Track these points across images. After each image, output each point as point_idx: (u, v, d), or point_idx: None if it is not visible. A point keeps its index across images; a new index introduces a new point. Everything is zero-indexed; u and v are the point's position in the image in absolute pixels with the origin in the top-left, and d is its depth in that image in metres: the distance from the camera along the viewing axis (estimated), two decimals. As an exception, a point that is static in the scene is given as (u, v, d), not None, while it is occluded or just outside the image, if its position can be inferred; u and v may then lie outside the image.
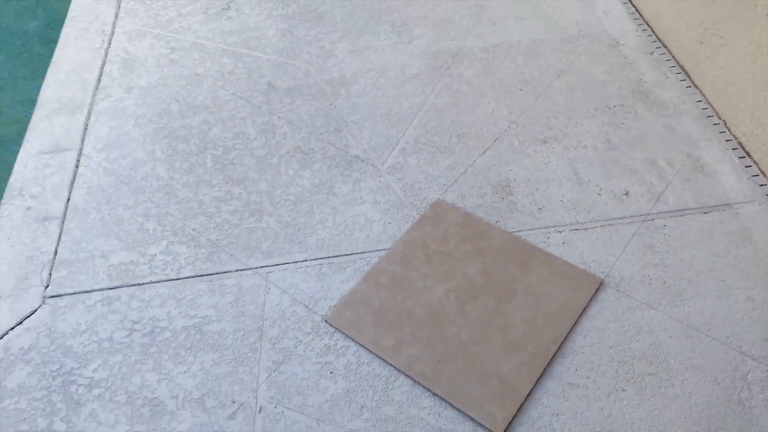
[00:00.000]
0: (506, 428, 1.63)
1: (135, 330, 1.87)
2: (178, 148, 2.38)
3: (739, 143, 2.28)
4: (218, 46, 2.81)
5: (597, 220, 2.08)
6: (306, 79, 2.63)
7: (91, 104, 2.57)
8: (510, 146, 2.33)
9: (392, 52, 2.73)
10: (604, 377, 1.72)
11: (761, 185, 2.15)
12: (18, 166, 2.37)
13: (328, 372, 1.76)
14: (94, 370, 1.79)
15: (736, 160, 2.24)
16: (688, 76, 2.55)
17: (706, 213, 2.09)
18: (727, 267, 1.93)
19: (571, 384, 1.71)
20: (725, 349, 1.76)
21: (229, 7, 3.03)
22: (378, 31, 2.85)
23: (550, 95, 2.51)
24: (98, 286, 1.98)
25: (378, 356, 1.78)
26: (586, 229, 2.06)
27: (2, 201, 2.26)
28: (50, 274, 2.02)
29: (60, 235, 2.12)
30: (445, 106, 2.48)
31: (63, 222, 2.16)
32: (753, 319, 1.81)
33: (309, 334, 1.84)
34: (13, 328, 1.90)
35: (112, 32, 2.91)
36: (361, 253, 2.03)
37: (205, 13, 3.00)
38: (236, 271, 2.00)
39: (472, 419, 1.65)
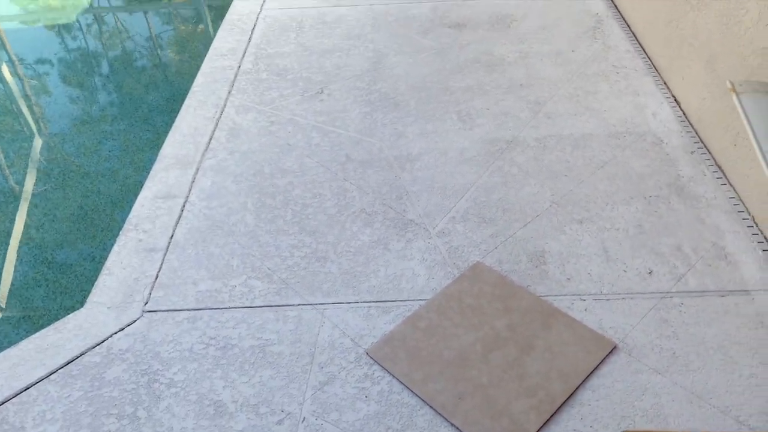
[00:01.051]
0: (511, 460, 1.85)
1: (211, 344, 2.26)
2: (265, 202, 2.83)
3: (765, 237, 2.46)
4: (309, 123, 3.32)
5: (619, 293, 2.31)
6: (378, 154, 3.06)
7: (200, 162, 3.11)
8: (549, 223, 2.62)
9: (455, 136, 3.14)
10: (606, 428, 1.91)
11: (781, 276, 2.32)
12: (136, 206, 2.90)
13: (364, 396, 2.06)
14: (174, 373, 2.17)
15: (760, 252, 2.42)
16: (724, 175, 2.77)
17: (723, 296, 2.27)
18: (735, 345, 2.10)
19: (575, 430, 1.92)
20: (723, 417, 1.91)
21: (322, 92, 3.57)
22: (445, 118, 3.28)
23: (591, 182, 2.80)
24: (187, 307, 2.40)
25: (407, 387, 2.07)
26: (607, 300, 2.30)
27: (121, 232, 2.77)
28: (150, 293, 2.47)
29: (162, 264, 2.59)
30: (495, 185, 2.82)
31: (165, 253, 2.63)
32: (754, 393, 1.96)
33: (352, 362, 2.16)
34: (116, 333, 2.33)
35: (224, 106, 3.50)
36: (405, 300, 2.35)
37: (302, 95, 3.55)
38: (298, 305, 2.37)
39: (482, 449, 1.89)
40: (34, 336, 2.34)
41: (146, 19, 6.07)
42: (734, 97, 1.15)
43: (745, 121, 1.09)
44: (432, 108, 3.37)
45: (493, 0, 4.44)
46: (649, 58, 3.66)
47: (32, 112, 4.66)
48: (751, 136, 1.08)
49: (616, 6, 4.24)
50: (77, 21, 6.00)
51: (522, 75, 3.59)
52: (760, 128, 1.09)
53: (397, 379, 2.10)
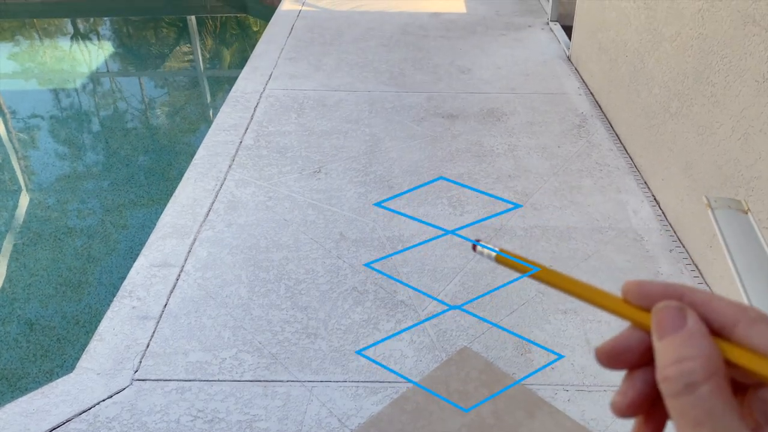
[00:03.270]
0: None
1: (198, 417, 2.27)
2: (259, 276, 2.90)
3: (739, 337, 2.57)
4: (306, 200, 3.44)
5: (600, 385, 2.38)
6: (371, 234, 3.17)
7: (198, 233, 3.19)
8: (534, 312, 2.71)
9: (445, 221, 3.27)
10: None
11: (755, 376, 2.40)
12: (132, 273, 2.95)
13: (349, 477, 2.07)
14: (160, 445, 2.17)
15: (735, 352, 2.51)
16: (701, 273, 2.91)
17: (700, 393, 2.35)
18: (712, 443, 2.16)
19: None
20: None
21: (320, 170, 3.71)
22: (436, 203, 3.42)
23: (575, 274, 2.92)
24: (176, 377, 2.42)
25: (392, 471, 2.08)
26: (589, 392, 2.36)
27: (115, 299, 2.81)
28: (140, 362, 2.48)
29: (154, 332, 2.62)
30: (483, 271, 2.92)
31: (158, 322, 2.67)
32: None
33: (338, 442, 2.18)
34: (104, 400, 2.33)
35: (224, 179, 3.62)
36: (393, 382, 2.39)
37: (300, 173, 3.69)
38: (287, 381, 2.40)
39: None
40: (20, 399, 2.33)
41: (140, 86, 6.29)
42: (709, 213, 1.28)
43: (719, 236, 1.21)
44: (424, 193, 3.51)
45: (484, 94, 4.70)
46: (630, 157, 3.88)
47: (23, 172, 4.75)
48: (725, 251, 1.20)
49: (600, 107, 4.51)
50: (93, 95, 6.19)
51: (510, 166, 3.77)
52: (732, 243, 1.21)
53: (383, 462, 2.11)
